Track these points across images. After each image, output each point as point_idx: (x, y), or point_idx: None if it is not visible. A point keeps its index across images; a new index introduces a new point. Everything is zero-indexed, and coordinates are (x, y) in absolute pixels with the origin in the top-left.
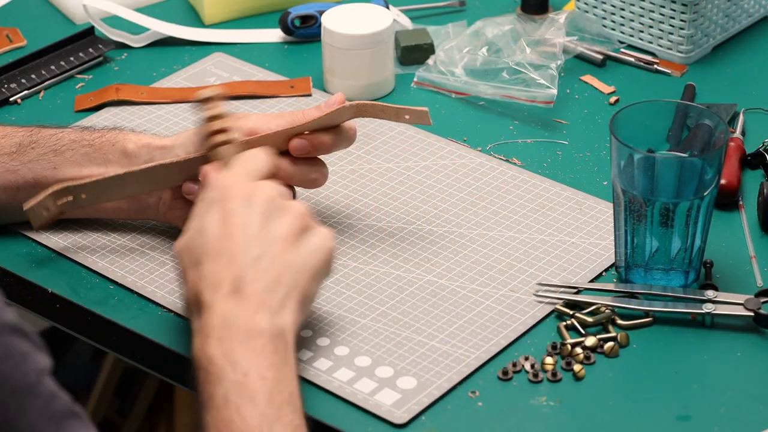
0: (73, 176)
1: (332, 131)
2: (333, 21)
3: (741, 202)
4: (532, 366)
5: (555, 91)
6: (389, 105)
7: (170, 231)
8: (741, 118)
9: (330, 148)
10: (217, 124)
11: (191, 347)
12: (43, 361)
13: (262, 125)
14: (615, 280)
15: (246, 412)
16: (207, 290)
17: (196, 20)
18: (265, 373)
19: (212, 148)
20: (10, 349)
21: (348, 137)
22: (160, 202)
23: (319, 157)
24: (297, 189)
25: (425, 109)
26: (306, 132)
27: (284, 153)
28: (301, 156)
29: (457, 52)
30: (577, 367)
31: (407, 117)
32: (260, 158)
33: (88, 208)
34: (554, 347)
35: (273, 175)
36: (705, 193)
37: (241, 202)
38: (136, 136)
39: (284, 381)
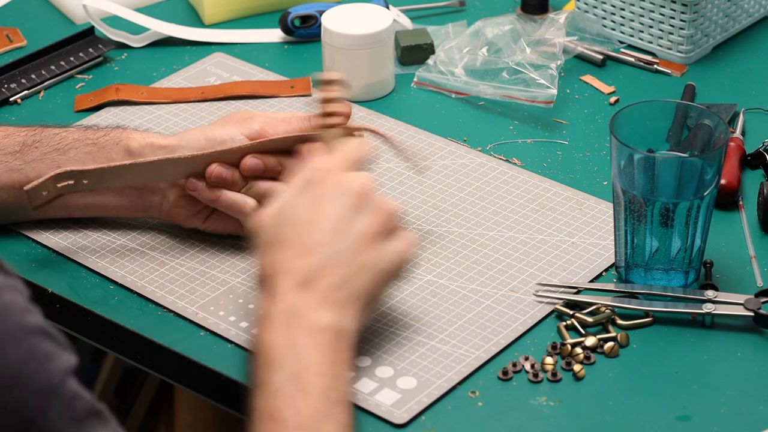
0: (82, 168)
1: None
2: (333, 21)
3: (741, 202)
4: (532, 366)
5: (555, 91)
6: (389, 138)
7: (170, 231)
8: (741, 118)
9: (280, 173)
10: (331, 107)
11: (254, 326)
12: (67, 360)
13: (270, 129)
14: (615, 280)
15: (299, 403)
16: (279, 274)
17: (196, 20)
18: (324, 370)
19: (322, 128)
20: (34, 351)
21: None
22: (163, 200)
23: None
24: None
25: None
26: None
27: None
28: (254, 175)
29: (457, 52)
30: (577, 367)
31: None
32: (362, 149)
33: (90, 207)
34: (554, 347)
35: (279, 174)
36: (705, 193)
37: (334, 190)
38: (139, 135)
39: (340, 380)
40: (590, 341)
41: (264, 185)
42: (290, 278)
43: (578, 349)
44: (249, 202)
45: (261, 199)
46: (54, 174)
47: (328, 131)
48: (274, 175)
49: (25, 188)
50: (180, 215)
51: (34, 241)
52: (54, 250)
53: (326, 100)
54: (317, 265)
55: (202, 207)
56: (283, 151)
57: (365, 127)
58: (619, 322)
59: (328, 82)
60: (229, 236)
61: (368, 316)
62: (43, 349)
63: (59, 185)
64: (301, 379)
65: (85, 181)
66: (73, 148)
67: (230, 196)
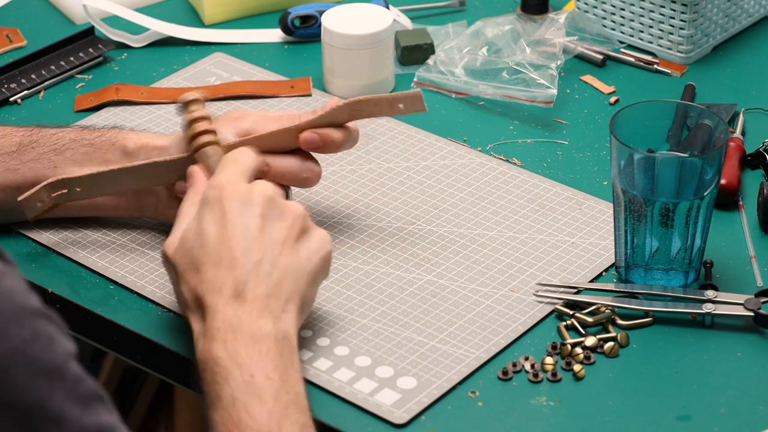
0: (72, 176)
1: (342, 129)
2: (333, 21)
3: (741, 202)
4: (532, 366)
5: (555, 91)
6: (381, 96)
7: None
8: (741, 118)
9: (339, 145)
10: (201, 126)
11: (194, 348)
12: (68, 345)
13: (259, 127)
14: (615, 280)
15: (254, 409)
16: (208, 294)
17: (196, 20)
18: (271, 375)
19: (198, 149)
20: (37, 333)
21: (353, 138)
22: (158, 201)
23: (314, 156)
24: (295, 189)
25: (418, 91)
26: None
27: (277, 153)
28: (310, 150)
29: (457, 52)
30: (577, 367)
31: (401, 107)
32: (249, 156)
33: (87, 207)
34: (554, 347)
35: (265, 175)
36: (705, 193)
37: (239, 203)
38: (135, 135)
39: (290, 382)
40: (590, 341)
41: None
42: (221, 294)
43: (578, 349)
44: None
45: None
46: (47, 183)
47: (207, 150)
48: (261, 177)
49: (19, 199)
50: (173, 216)
51: (34, 241)
52: (54, 250)
53: (194, 120)
54: (244, 276)
55: None
56: (272, 151)
57: (351, 100)
58: (619, 322)
59: (189, 103)
60: None
61: (303, 317)
62: (46, 330)
63: (53, 194)
64: (251, 387)
65: (78, 189)
66: (69, 149)
67: None
